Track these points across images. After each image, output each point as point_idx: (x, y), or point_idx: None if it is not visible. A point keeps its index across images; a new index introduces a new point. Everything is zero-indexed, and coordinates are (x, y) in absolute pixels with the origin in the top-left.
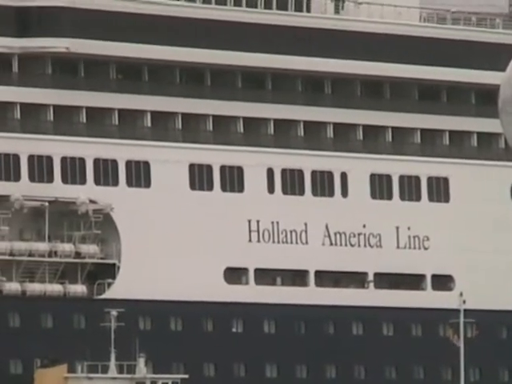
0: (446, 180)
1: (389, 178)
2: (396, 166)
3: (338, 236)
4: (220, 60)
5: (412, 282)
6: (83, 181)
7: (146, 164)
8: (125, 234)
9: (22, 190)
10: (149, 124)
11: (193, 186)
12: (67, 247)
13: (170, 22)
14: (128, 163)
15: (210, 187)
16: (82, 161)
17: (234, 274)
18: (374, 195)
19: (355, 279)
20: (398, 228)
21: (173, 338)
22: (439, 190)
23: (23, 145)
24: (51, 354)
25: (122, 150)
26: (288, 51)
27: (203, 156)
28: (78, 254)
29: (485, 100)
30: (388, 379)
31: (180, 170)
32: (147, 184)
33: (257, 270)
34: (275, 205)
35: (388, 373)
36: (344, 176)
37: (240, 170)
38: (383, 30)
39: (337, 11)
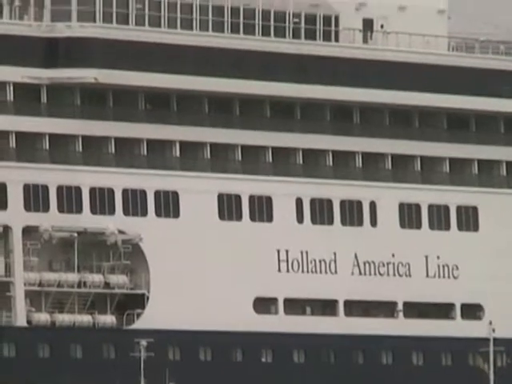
0: (474, 209)
1: (418, 207)
2: (425, 195)
3: (367, 265)
4: (248, 90)
5: (441, 310)
6: (112, 211)
7: (175, 194)
8: (154, 264)
9: (51, 220)
10: (177, 154)
11: (222, 216)
12: (96, 278)
13: (198, 52)
14: (157, 193)
15: (239, 217)
16: (111, 191)
17: (264, 304)
18: (403, 224)
19: (385, 308)
20: (427, 257)
21: (202, 368)
22: (468, 218)
23: (52, 175)
24: None
25: (150, 180)
26: (317, 81)
27: (232, 186)
28: (107, 285)
29: None
30: None
31: (209, 200)
32: (176, 214)
33: (286, 300)
34: (304, 234)
35: None
36: (373, 205)
37: (269, 199)
38: (412, 59)
39: (365, 40)
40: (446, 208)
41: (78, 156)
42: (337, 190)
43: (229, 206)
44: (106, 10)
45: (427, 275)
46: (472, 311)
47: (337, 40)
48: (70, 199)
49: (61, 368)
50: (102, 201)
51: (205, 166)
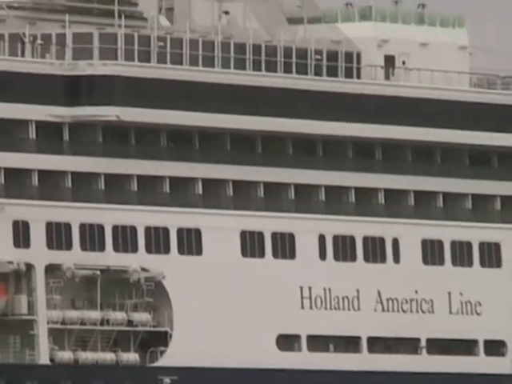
0: (497, 245)
1: (440, 243)
2: (448, 232)
3: (390, 302)
4: (271, 127)
5: (464, 347)
6: (135, 249)
7: (198, 231)
8: (177, 302)
9: (74, 258)
10: (200, 191)
11: (244, 253)
12: (119, 315)
13: (220, 90)
14: (179, 231)
15: (262, 254)
16: (134, 229)
17: (287, 341)
18: (425, 261)
19: (408, 345)
20: (450, 293)
21: None
22: (491, 255)
23: (75, 213)
24: None
25: (173, 218)
26: (338, 117)
27: (254, 223)
28: (130, 322)
29: None
30: None
31: (231, 237)
32: (199, 251)
33: (309, 337)
34: (327, 271)
35: None
36: (396, 242)
37: (291, 236)
38: (433, 95)
39: (387, 77)
40: (469, 244)
41: (100, 194)
42: (359, 227)
43: (251, 243)
44: (127, 48)
45: (450, 312)
46: (495, 347)
47: (359, 77)
48: (92, 237)
49: None
50: (125, 239)
51: (227, 203)
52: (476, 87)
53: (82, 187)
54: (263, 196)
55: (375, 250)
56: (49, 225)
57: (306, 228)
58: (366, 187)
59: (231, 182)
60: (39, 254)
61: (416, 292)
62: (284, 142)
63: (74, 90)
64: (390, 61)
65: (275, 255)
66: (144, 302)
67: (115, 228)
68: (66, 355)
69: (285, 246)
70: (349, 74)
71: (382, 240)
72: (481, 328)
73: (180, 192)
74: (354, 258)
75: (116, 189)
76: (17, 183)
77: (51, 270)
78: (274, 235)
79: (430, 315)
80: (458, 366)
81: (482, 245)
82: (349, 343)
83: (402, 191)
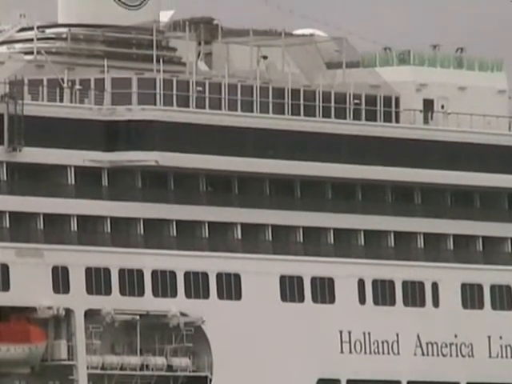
0: None
1: (480, 287)
2: (487, 275)
3: (429, 346)
4: (310, 171)
5: None
6: (174, 294)
7: (237, 276)
8: (216, 347)
9: (114, 303)
10: (239, 236)
11: (284, 298)
12: (159, 360)
13: (259, 134)
14: (219, 275)
15: (301, 299)
16: (173, 274)
17: None
18: (465, 305)
19: None
20: (489, 337)
21: None
22: None
23: (114, 259)
24: None
25: (212, 263)
26: (377, 162)
27: (294, 267)
28: (169, 367)
29: None
30: None
31: (271, 282)
32: (238, 296)
33: (349, 381)
34: (366, 315)
35: None
36: (435, 286)
37: (331, 281)
38: (472, 139)
39: (426, 121)
40: (508, 288)
41: (139, 239)
42: (399, 271)
43: (291, 288)
44: (166, 93)
45: (490, 355)
46: None
47: (397, 121)
48: (132, 282)
49: None
50: (164, 283)
51: (266, 247)
52: None
53: (121, 232)
54: (302, 240)
55: (414, 294)
56: (88, 270)
57: (346, 272)
58: (406, 231)
59: (270, 226)
60: (79, 299)
61: (455, 336)
62: (323, 186)
63: (113, 135)
64: (428, 105)
65: (315, 300)
66: (183, 347)
67: (154, 273)
68: None
69: (324, 290)
70: (387, 118)
71: (421, 284)
72: None
73: (219, 237)
74: (393, 302)
75: (155, 234)
76: (56, 228)
77: (91, 315)
78: (314, 280)
79: (469, 359)
80: None
81: None
82: None
83: (442, 235)
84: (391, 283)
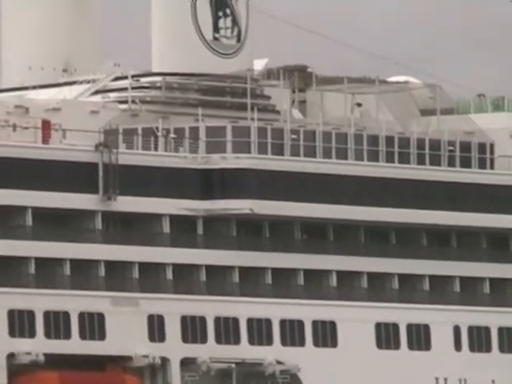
0: None
1: None
2: None
3: None
4: (405, 218)
5: None
6: (270, 342)
7: (333, 324)
8: None
9: (209, 352)
10: (334, 284)
11: (380, 345)
12: None
13: (354, 182)
14: (314, 323)
15: (397, 346)
16: (269, 322)
17: None
18: None
19: None
20: None
21: None
22: None
23: (209, 307)
24: None
25: (308, 311)
26: (473, 208)
27: (389, 315)
28: None
29: None
30: None
31: (366, 329)
32: (334, 344)
33: None
34: (462, 362)
35: None
36: None
37: (426, 327)
38: None
39: None
40: None
41: (234, 287)
42: (494, 318)
43: (386, 335)
44: (261, 141)
45: None
46: None
47: (492, 167)
48: (227, 330)
49: None
50: (260, 331)
51: (362, 295)
52: None
53: (217, 281)
54: (397, 287)
55: (510, 340)
56: (184, 318)
57: (441, 319)
58: (501, 278)
59: (366, 274)
60: (174, 348)
61: None
62: (418, 233)
63: (208, 183)
64: None
65: (410, 347)
66: None
67: (250, 321)
68: None
69: (420, 337)
70: (482, 164)
71: None
72: None
73: (314, 284)
74: (489, 349)
75: (250, 282)
76: (151, 277)
77: (186, 363)
78: (409, 327)
79: None
80: None
81: None
82: None
83: None
84: (487, 330)
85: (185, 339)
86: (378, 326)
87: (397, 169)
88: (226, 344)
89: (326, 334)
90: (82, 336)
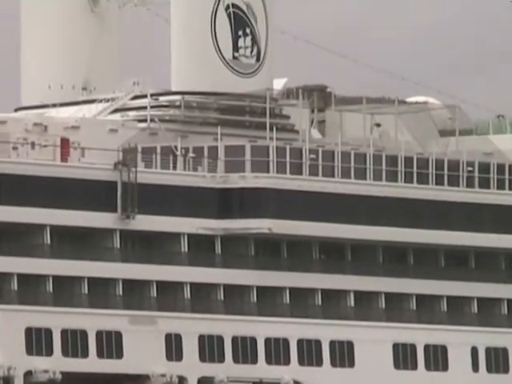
0: None
1: None
2: None
3: None
4: (423, 239)
5: None
6: (287, 361)
7: (350, 344)
8: None
9: (227, 371)
10: (352, 304)
11: (397, 365)
12: None
13: (371, 202)
14: (332, 343)
15: (415, 366)
16: (286, 341)
17: None
18: None
19: None
20: None
21: None
22: None
23: (227, 326)
24: None
25: (325, 330)
26: (491, 229)
27: (407, 335)
28: None
29: None
30: None
31: (384, 349)
32: (351, 364)
33: None
34: (480, 383)
35: None
36: None
37: (444, 348)
38: None
39: None
40: None
41: (252, 306)
42: None
43: (404, 356)
44: (279, 160)
45: None
46: None
47: (510, 188)
48: (245, 350)
49: None
50: (278, 351)
51: (380, 315)
52: None
53: (235, 300)
54: (415, 308)
55: None
56: (201, 337)
57: (459, 340)
58: None
59: (383, 294)
60: (192, 367)
61: None
62: (436, 253)
63: (226, 202)
64: None
65: (428, 367)
66: None
67: (267, 340)
68: None
69: (437, 358)
70: (501, 185)
71: None
72: None
73: (332, 304)
74: (506, 370)
75: (268, 301)
76: (169, 296)
77: (204, 382)
78: (427, 347)
79: None
80: None
81: None
82: None
83: None
84: (504, 351)
85: (202, 358)
86: (396, 346)
87: (415, 189)
88: (244, 363)
89: (344, 354)
90: (100, 354)
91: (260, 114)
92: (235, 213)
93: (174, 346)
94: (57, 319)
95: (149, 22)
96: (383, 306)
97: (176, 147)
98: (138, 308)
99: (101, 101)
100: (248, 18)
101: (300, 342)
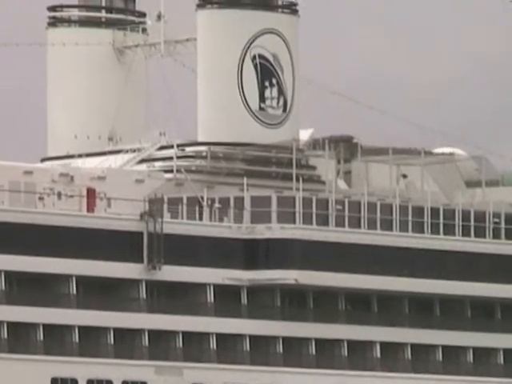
0: None
1: None
2: None
3: None
4: (450, 290)
5: None
6: None
7: None
8: None
9: None
10: (378, 355)
11: None
12: None
13: (398, 253)
14: None
15: None
16: None
17: None
18: None
19: None
20: None
21: None
22: None
23: (253, 377)
24: None
25: (351, 381)
26: None
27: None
28: None
29: None
30: None
31: None
32: None
33: None
34: None
35: None
36: None
37: None
38: None
39: None
40: None
41: (278, 357)
42: None
43: None
44: (305, 211)
45: None
46: None
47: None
48: None
49: None
50: None
51: (405, 366)
52: None
53: (260, 350)
54: (442, 359)
55: None
56: None
57: None
58: None
59: (409, 345)
60: None
61: None
62: (462, 305)
63: (252, 253)
64: None
65: None
66: None
67: None
68: None
69: None
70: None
71: None
72: None
73: (358, 355)
74: None
75: (294, 352)
76: (195, 346)
77: None
78: None
79: None
80: None
81: None
82: None
83: None
84: None
85: None
86: None
87: (442, 240)
88: None
89: None
90: None
91: (286, 165)
92: (261, 264)
93: None
94: (82, 369)
95: (175, 73)
96: (409, 357)
97: (202, 198)
98: (164, 358)
99: (127, 151)
100: (274, 68)
101: None
